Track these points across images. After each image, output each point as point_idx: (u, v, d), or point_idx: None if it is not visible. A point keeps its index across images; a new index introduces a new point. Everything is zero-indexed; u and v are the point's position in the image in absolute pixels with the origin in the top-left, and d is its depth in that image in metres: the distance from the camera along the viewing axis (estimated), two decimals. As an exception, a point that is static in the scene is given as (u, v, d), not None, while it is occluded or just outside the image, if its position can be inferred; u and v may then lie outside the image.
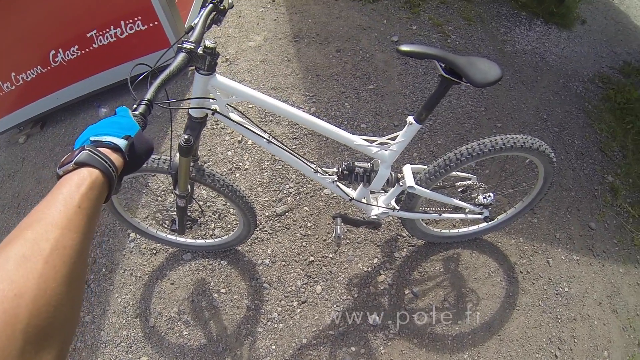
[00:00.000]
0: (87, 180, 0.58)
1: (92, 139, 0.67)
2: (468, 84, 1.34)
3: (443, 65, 1.35)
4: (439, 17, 3.60)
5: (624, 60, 3.94)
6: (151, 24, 2.59)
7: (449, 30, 3.48)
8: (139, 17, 2.55)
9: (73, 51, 2.58)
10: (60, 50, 2.56)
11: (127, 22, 2.55)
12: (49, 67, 2.61)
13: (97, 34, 2.54)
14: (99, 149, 0.64)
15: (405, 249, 2.20)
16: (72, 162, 0.60)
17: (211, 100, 1.31)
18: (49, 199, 0.54)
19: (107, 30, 2.55)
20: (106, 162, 0.62)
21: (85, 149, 0.62)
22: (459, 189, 1.90)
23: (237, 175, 2.38)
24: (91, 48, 2.59)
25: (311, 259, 2.11)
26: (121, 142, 0.68)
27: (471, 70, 1.32)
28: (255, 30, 3.27)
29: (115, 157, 0.66)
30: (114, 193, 0.67)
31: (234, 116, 1.40)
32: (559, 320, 2.11)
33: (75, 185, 0.57)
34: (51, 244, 0.48)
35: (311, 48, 3.13)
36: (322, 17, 3.38)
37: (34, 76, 2.64)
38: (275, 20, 3.36)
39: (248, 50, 3.10)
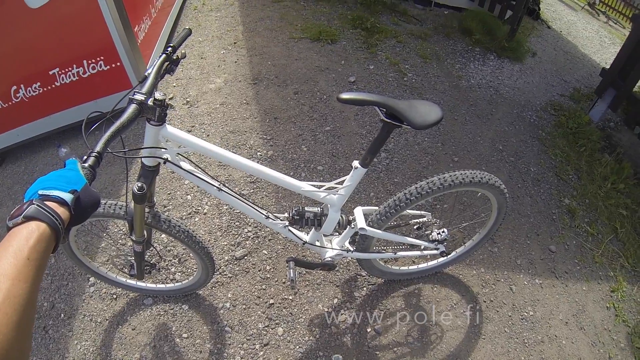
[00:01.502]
0: (35, 233, 0.62)
1: (40, 192, 0.70)
2: (409, 127, 1.38)
3: (384, 110, 1.39)
4: (396, 56, 3.74)
5: (573, 87, 4.15)
6: (113, 65, 2.61)
7: (405, 69, 3.62)
8: (102, 57, 2.56)
9: (35, 88, 2.55)
10: (22, 86, 2.52)
11: (89, 61, 2.56)
12: (10, 103, 2.55)
13: (60, 72, 2.54)
14: (46, 202, 0.68)
15: (365, 288, 2.19)
16: (21, 216, 0.64)
17: (162, 150, 1.32)
18: (0, 250, 0.58)
19: (70, 68, 2.54)
20: (53, 216, 0.66)
21: (34, 204, 0.66)
22: (415, 227, 1.92)
23: (197, 219, 2.36)
24: (53, 86, 2.57)
25: (271, 301, 2.08)
26: (67, 197, 0.71)
27: (411, 113, 1.37)
28: (216, 73, 3.32)
29: (62, 211, 0.69)
30: (62, 243, 0.70)
31: (185, 165, 1.41)
32: (527, 345, 2.11)
33: (25, 239, 0.61)
34: (3, 294, 0.52)
35: (270, 90, 3.19)
36: (282, 59, 3.47)
37: None
38: (235, 62, 3.43)
39: (208, 92, 3.14)
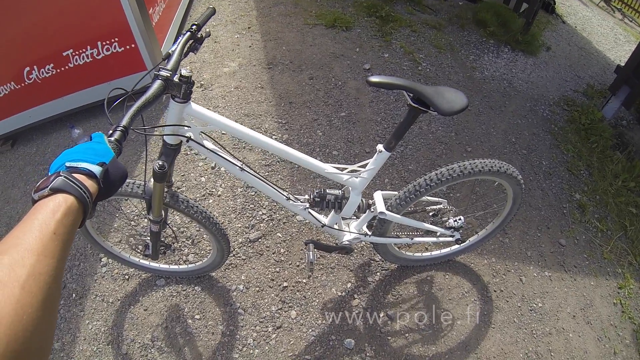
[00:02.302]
0: (62, 206, 0.59)
1: (67, 164, 0.67)
2: (435, 113, 1.39)
3: (411, 95, 1.39)
4: (410, 45, 3.72)
5: (587, 84, 4.12)
6: (128, 47, 2.59)
7: (419, 58, 3.60)
8: (116, 39, 2.55)
9: (48, 69, 2.54)
10: (35, 67, 2.51)
11: (104, 43, 2.54)
12: (22, 84, 2.55)
13: (74, 54, 2.52)
14: (74, 175, 0.65)
15: (378, 273, 2.20)
16: (48, 188, 0.61)
17: (186, 128, 1.32)
18: (25, 224, 0.55)
19: (84, 50, 2.53)
20: (81, 189, 0.63)
21: (61, 175, 0.63)
22: (430, 213, 1.93)
23: (211, 201, 2.37)
24: (67, 67, 2.56)
25: (285, 284, 2.10)
26: (96, 169, 0.69)
27: (438, 99, 1.37)
28: (230, 57, 3.31)
29: (90, 184, 0.66)
30: (89, 218, 0.67)
31: (208, 144, 1.41)
32: (535, 335, 2.14)
33: (51, 212, 0.57)
34: (27, 270, 0.48)
35: (285, 75, 3.18)
36: (296, 45, 3.46)
37: (6, 92, 2.58)
38: (250, 47, 3.41)
39: (222, 76, 3.13)
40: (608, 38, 5.59)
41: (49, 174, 0.65)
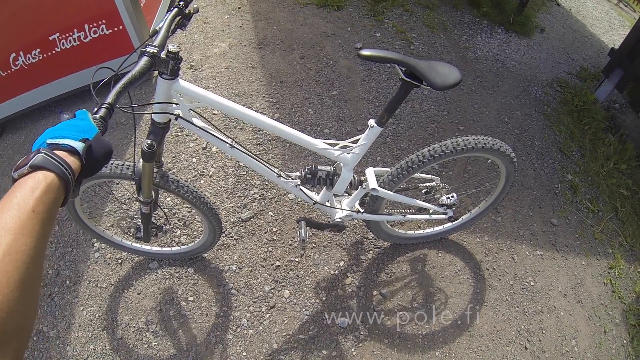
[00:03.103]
0: (42, 184, 0.57)
1: (48, 141, 0.65)
2: (428, 87, 1.36)
3: (404, 69, 1.36)
4: (403, 24, 3.67)
5: (580, 66, 4.11)
6: (115, 29, 2.53)
7: (412, 37, 3.56)
8: (103, 21, 2.48)
9: (35, 55, 2.47)
10: (21, 53, 2.44)
11: (91, 25, 2.48)
12: (9, 71, 2.49)
13: (60, 38, 2.46)
14: (55, 152, 0.63)
15: (371, 251, 2.20)
16: (27, 166, 0.59)
17: (174, 106, 1.29)
18: (3, 203, 0.54)
19: (71, 33, 2.46)
20: (62, 166, 0.61)
21: (41, 152, 0.61)
22: (423, 191, 1.92)
23: (202, 181, 2.34)
24: (54, 52, 2.50)
25: (278, 263, 2.09)
26: (78, 145, 0.67)
27: (431, 74, 1.35)
28: (220, 37, 3.25)
29: (72, 160, 0.65)
30: (72, 197, 0.66)
31: (197, 121, 1.38)
32: (527, 314, 2.16)
33: (30, 189, 0.56)
34: (3, 249, 0.48)
35: (275, 55, 3.13)
36: (287, 24, 3.40)
37: None
38: (240, 27, 3.35)
39: (213, 56, 3.07)
40: (602, 22, 5.57)
41: (31, 152, 0.63)
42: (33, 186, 0.56)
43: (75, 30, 2.46)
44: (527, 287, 2.25)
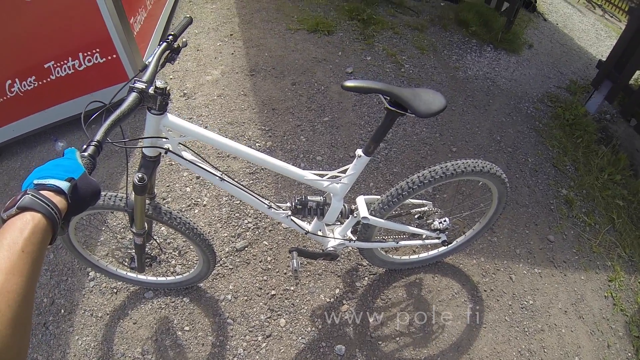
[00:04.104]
0: (29, 224, 0.59)
1: (35, 182, 0.68)
2: (413, 115, 1.38)
3: (388, 98, 1.38)
4: (393, 47, 3.72)
5: (569, 79, 4.16)
6: (109, 57, 2.57)
7: (402, 60, 3.61)
8: (98, 50, 2.53)
9: (30, 82, 2.50)
10: (16, 80, 2.47)
11: (85, 54, 2.52)
12: (4, 97, 2.50)
13: (55, 65, 2.50)
14: (41, 192, 0.65)
15: (366, 278, 2.19)
16: (15, 207, 0.61)
17: (164, 140, 1.30)
18: None
19: (65, 61, 2.51)
20: (48, 206, 0.63)
21: (28, 194, 0.63)
22: (416, 216, 1.92)
23: (196, 211, 2.35)
24: (49, 79, 2.53)
25: (273, 292, 2.08)
26: (64, 185, 0.69)
27: (415, 102, 1.36)
28: (212, 64, 3.30)
29: (59, 200, 0.67)
30: (60, 234, 0.68)
31: (187, 155, 1.39)
32: (527, 333, 2.13)
33: (19, 230, 0.58)
34: None
35: (267, 82, 3.17)
36: (278, 51, 3.45)
37: None
38: (232, 54, 3.40)
39: (205, 84, 3.11)
40: (589, 34, 5.66)
41: (20, 192, 0.65)
42: (21, 227, 0.59)
43: (70, 58, 2.51)
44: (526, 306, 2.23)
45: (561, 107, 3.67)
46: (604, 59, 3.75)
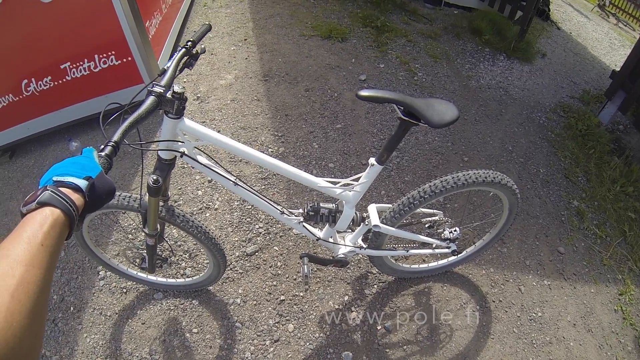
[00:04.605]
0: (49, 219, 0.62)
1: (54, 179, 0.70)
2: (426, 125, 1.39)
3: (402, 108, 1.39)
4: (406, 55, 3.73)
5: (582, 89, 4.13)
6: (124, 60, 2.62)
7: (415, 68, 3.62)
8: (113, 52, 2.58)
9: (46, 82, 2.56)
10: (33, 80, 2.54)
11: (101, 56, 2.57)
12: (20, 96, 2.58)
13: (71, 66, 2.55)
14: (60, 189, 0.67)
15: (375, 286, 2.20)
16: (35, 202, 0.64)
17: (179, 143, 1.33)
18: (14, 236, 0.58)
19: (81, 63, 2.56)
20: (67, 202, 0.66)
21: (48, 190, 0.66)
22: (426, 225, 1.93)
23: (207, 214, 2.37)
24: (64, 80, 2.58)
25: (282, 297, 2.09)
26: (82, 183, 0.71)
27: (428, 112, 1.37)
28: (226, 69, 3.33)
29: (76, 197, 0.69)
30: (76, 230, 0.70)
31: (202, 159, 1.42)
32: (535, 345, 2.12)
33: (39, 224, 0.60)
34: (17, 280, 0.52)
35: (281, 87, 3.19)
36: (292, 56, 3.48)
37: (5, 104, 2.60)
38: (246, 58, 3.43)
39: (219, 88, 3.14)
40: (603, 43, 5.63)
41: (38, 188, 0.68)
42: (41, 221, 0.61)
43: (85, 60, 2.56)
44: (534, 318, 2.22)
45: (574, 117, 3.65)
46: (618, 69, 3.73)
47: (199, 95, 3.08)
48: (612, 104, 3.66)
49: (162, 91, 1.10)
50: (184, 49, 1.29)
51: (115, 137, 0.89)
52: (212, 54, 3.49)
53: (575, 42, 5.20)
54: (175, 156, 1.34)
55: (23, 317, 0.50)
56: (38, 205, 0.64)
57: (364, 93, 1.36)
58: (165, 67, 1.21)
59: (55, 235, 0.62)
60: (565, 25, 5.59)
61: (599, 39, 5.73)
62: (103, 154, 0.84)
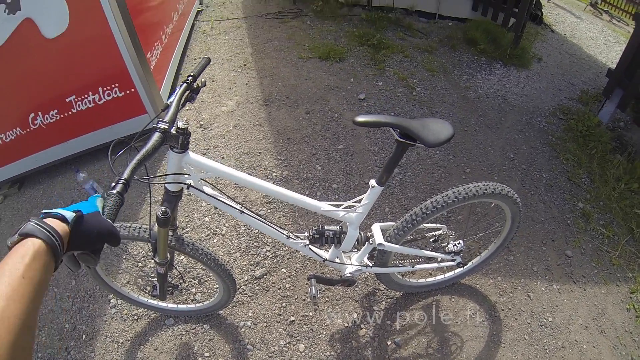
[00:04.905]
0: (30, 250, 0.61)
1: (43, 211, 0.71)
2: (423, 145, 1.44)
3: (398, 130, 1.44)
4: (404, 71, 3.80)
5: (581, 90, 4.15)
6: (128, 91, 2.69)
7: (413, 83, 3.67)
8: (116, 84, 2.65)
9: (52, 115, 2.62)
10: (39, 113, 2.60)
11: (104, 88, 2.64)
12: (28, 129, 2.63)
13: (76, 99, 2.62)
14: (44, 220, 0.68)
15: (384, 302, 2.22)
16: (17, 234, 0.64)
17: (186, 176, 1.38)
18: None
19: (86, 96, 2.63)
20: (48, 232, 0.65)
21: (31, 221, 0.66)
22: (431, 239, 1.96)
23: (215, 240, 2.43)
24: (70, 113, 2.65)
25: (292, 318, 2.12)
26: (68, 214, 0.72)
27: (424, 132, 1.42)
28: (227, 95, 3.41)
29: (61, 227, 0.69)
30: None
31: (208, 189, 1.47)
32: (547, 351, 2.11)
33: (20, 256, 0.60)
34: None
35: (281, 111, 3.26)
36: (292, 80, 3.56)
37: (13, 137, 2.65)
38: (246, 84, 3.52)
39: (221, 115, 3.22)
40: (598, 41, 5.64)
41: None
42: (22, 253, 0.60)
43: (90, 92, 2.63)
44: (545, 324, 2.22)
45: (574, 118, 3.66)
46: (614, 67, 3.74)
47: (201, 122, 3.16)
48: (611, 103, 3.67)
49: (166, 127, 1.16)
50: (185, 84, 1.35)
51: (125, 175, 0.95)
52: (212, 81, 3.58)
53: (570, 43, 5.23)
54: (182, 188, 1.39)
55: (3, 352, 0.49)
56: (20, 237, 0.64)
57: (361, 119, 1.41)
58: (168, 103, 1.26)
59: (38, 267, 0.61)
60: (560, 27, 5.63)
61: (593, 37, 5.75)
62: (115, 191, 0.88)
